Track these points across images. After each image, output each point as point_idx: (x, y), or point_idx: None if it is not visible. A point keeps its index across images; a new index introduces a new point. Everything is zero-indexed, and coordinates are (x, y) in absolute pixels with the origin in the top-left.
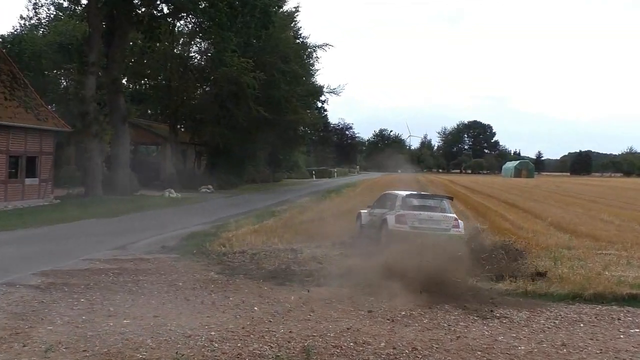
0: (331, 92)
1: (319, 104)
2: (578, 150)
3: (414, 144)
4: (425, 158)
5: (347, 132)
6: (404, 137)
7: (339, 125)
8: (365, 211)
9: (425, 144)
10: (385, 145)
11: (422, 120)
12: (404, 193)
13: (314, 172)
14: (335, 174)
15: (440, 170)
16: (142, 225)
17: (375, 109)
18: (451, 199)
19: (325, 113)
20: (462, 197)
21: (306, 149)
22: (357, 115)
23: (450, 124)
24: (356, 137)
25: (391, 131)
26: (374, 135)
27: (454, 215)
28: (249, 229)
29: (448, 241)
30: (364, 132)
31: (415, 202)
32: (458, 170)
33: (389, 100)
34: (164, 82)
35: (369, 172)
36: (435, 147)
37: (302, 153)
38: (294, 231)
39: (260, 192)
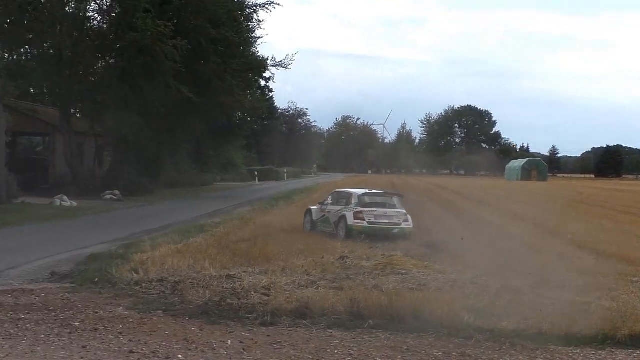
0: (277, 66)
1: (262, 82)
2: (605, 145)
3: (390, 136)
4: (404, 155)
5: (300, 120)
6: (375, 127)
7: (289, 111)
8: (316, 207)
9: (404, 137)
10: (351, 138)
11: (400, 106)
12: (358, 191)
13: (256, 174)
14: (285, 175)
15: (424, 171)
16: (23, 245)
17: (337, 90)
18: (401, 196)
19: (271, 95)
20: (453, 207)
21: (245, 142)
22: (314, 98)
23: (437, 109)
24: (312, 127)
25: (358, 119)
26: (335, 125)
27: (404, 211)
28: (169, 249)
29: None
30: (323, 120)
31: (370, 199)
32: (447, 171)
33: (355, 77)
34: (52, 51)
35: (329, 172)
36: (418, 141)
37: (240, 148)
38: (230, 252)
39: (184, 199)
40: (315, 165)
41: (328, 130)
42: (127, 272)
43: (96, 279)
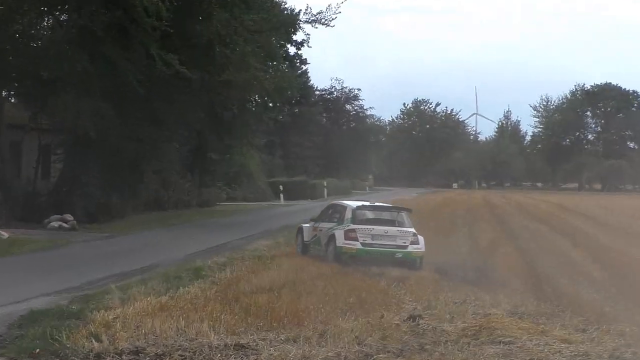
0: (314, 22)
1: (292, 50)
2: None
3: (485, 129)
4: (508, 159)
5: (348, 107)
6: (464, 117)
7: (331, 93)
8: (308, 225)
9: (508, 132)
10: (427, 133)
11: (498, 83)
12: (354, 204)
13: (281, 188)
14: (326, 190)
15: (538, 185)
16: None
17: (405, 62)
18: (410, 211)
19: (305, 68)
20: (593, 244)
21: (265, 140)
22: (369, 74)
23: (558, 90)
24: (368, 117)
25: (438, 104)
26: (402, 113)
27: (413, 230)
28: (149, 303)
29: None
30: (383, 106)
31: (368, 214)
32: (575, 184)
33: (432, 44)
34: None
35: (391, 187)
36: (529, 138)
37: (258, 150)
38: (241, 308)
39: (172, 229)
40: (370, 176)
41: (391, 122)
42: (84, 339)
43: (37, 350)
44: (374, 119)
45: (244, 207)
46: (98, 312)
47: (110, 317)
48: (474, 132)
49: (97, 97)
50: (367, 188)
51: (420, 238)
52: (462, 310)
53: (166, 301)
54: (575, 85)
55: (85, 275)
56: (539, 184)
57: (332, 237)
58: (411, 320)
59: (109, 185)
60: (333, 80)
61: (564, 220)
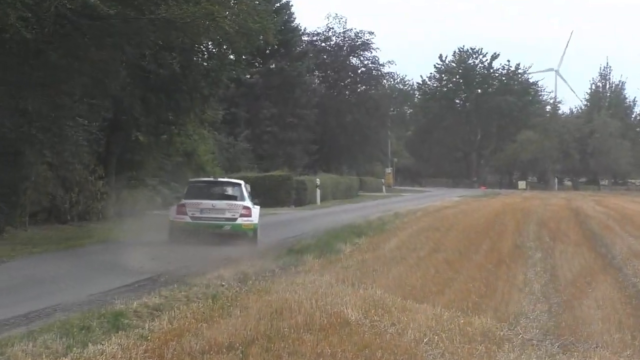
0: None
1: None
2: None
3: (570, 97)
4: (604, 142)
5: (355, 60)
6: (535, 75)
7: (328, 38)
8: (175, 207)
9: (605, 99)
10: (477, 100)
11: (592, 23)
12: (193, 180)
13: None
14: (319, 193)
15: None
16: None
17: None
18: (246, 184)
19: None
20: None
21: (224, 112)
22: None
23: None
24: (386, 75)
25: (494, 57)
26: (437, 70)
27: (244, 203)
28: None
29: None
30: (408, 62)
31: (200, 189)
32: None
33: None
34: None
35: (422, 187)
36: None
37: (211, 130)
38: None
39: (78, 252)
40: (389, 170)
41: (421, 86)
42: None
43: None
44: (394, 79)
45: None
46: None
47: None
48: (551, 101)
49: None
50: (384, 188)
51: (255, 211)
52: None
53: None
54: None
55: None
56: None
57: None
58: None
59: None
60: (330, 18)
61: None
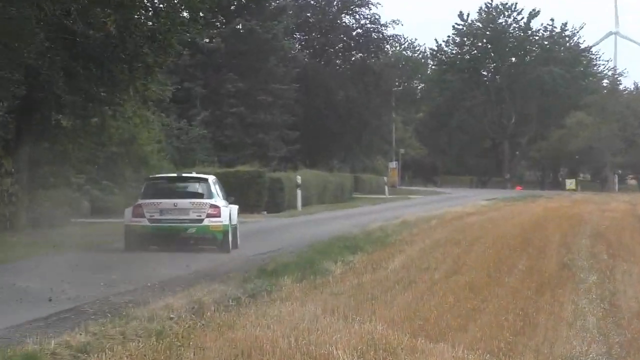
0: None
1: None
2: None
3: (632, 69)
4: None
5: (348, 18)
6: (587, 38)
7: None
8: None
9: None
10: (509, 70)
11: None
12: (155, 176)
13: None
14: (300, 194)
15: None
16: None
17: None
18: (213, 178)
19: None
20: None
21: (176, 90)
22: None
23: None
24: (389, 39)
25: (533, 14)
26: (457, 32)
27: (212, 201)
28: None
29: None
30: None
31: (161, 186)
32: None
33: None
34: None
35: (436, 186)
36: None
37: (157, 111)
38: None
39: None
40: (393, 165)
41: (436, 53)
42: None
43: None
44: (400, 44)
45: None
46: None
47: None
48: (610, 73)
49: None
50: (387, 189)
51: (225, 210)
52: None
53: None
54: None
55: None
56: None
57: None
58: None
59: None
60: None
61: None
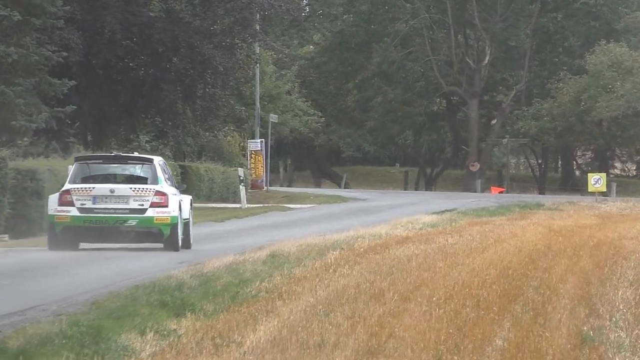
0: None
1: None
2: None
3: None
4: None
5: None
6: None
7: None
8: (56, 195)
9: None
10: None
11: None
12: (87, 155)
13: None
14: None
15: None
16: None
17: None
18: (154, 160)
19: None
20: None
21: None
22: None
23: None
24: None
25: None
26: None
27: (158, 187)
28: None
29: None
30: None
31: (93, 168)
32: None
33: None
34: None
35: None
36: None
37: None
38: None
39: None
40: (256, 147)
41: None
42: None
43: None
44: None
45: None
46: None
47: None
48: None
49: None
50: (244, 191)
51: (174, 198)
52: None
53: None
54: None
55: None
56: None
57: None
58: None
59: None
60: None
61: None
